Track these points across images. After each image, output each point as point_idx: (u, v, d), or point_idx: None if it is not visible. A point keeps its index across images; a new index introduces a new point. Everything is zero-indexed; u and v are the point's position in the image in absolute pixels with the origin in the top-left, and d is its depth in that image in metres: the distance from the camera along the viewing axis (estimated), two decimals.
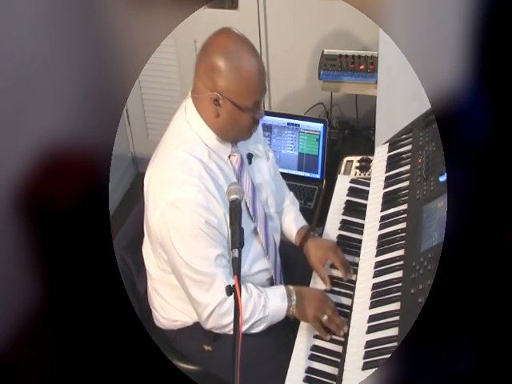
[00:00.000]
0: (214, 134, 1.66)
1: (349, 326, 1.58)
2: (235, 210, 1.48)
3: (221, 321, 1.68)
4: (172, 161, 1.63)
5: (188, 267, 1.62)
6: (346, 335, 1.58)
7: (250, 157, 1.80)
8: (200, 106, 1.64)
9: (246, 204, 1.74)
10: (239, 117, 1.61)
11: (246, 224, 1.72)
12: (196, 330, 1.78)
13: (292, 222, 1.96)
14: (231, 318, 1.63)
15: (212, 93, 1.58)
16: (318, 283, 1.83)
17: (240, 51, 1.57)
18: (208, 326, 1.71)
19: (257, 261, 1.78)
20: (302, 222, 1.98)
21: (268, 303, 1.69)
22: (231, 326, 1.64)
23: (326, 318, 1.66)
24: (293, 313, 1.71)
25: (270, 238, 1.81)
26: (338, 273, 1.83)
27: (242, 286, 1.66)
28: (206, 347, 1.81)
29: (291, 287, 1.74)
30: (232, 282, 1.62)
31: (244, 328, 1.66)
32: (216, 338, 1.78)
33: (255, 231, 1.77)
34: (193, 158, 1.62)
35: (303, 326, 1.72)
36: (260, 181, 1.82)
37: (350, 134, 2.89)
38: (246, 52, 1.58)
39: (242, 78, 1.56)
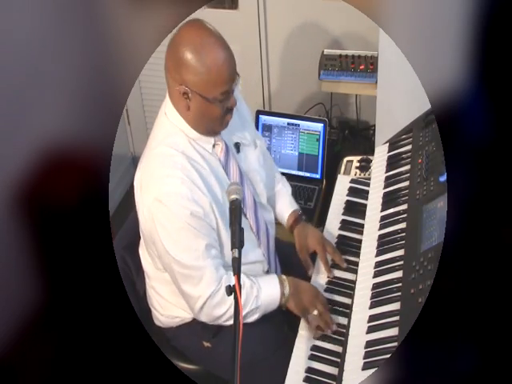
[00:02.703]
0: (190, 126, 1.66)
1: (349, 326, 1.58)
2: (235, 210, 1.48)
3: (214, 312, 1.68)
4: (155, 157, 1.65)
5: (176, 262, 1.63)
6: (346, 335, 1.58)
7: (237, 146, 1.80)
8: (173, 100, 1.65)
9: None
10: (209, 108, 1.61)
11: None
12: (195, 326, 1.79)
13: (283, 206, 1.99)
14: (224, 308, 1.65)
15: (180, 86, 1.58)
16: (318, 280, 1.83)
17: (205, 43, 1.56)
18: (202, 318, 1.72)
19: (249, 251, 1.77)
20: (294, 206, 2.00)
21: (261, 293, 1.70)
22: (225, 317, 1.67)
23: (316, 312, 1.67)
24: (285, 301, 1.72)
25: (260, 225, 1.81)
26: (338, 272, 1.84)
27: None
28: (206, 344, 1.81)
29: (284, 277, 1.75)
30: (222, 272, 1.65)
31: None
32: (215, 334, 1.78)
33: (245, 218, 1.77)
34: (175, 152, 1.63)
35: (303, 325, 1.72)
36: (248, 169, 1.82)
37: (350, 133, 2.89)
38: (211, 43, 1.56)
39: (208, 70, 1.55)
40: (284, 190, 2.02)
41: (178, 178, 1.60)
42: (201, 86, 1.57)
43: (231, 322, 1.65)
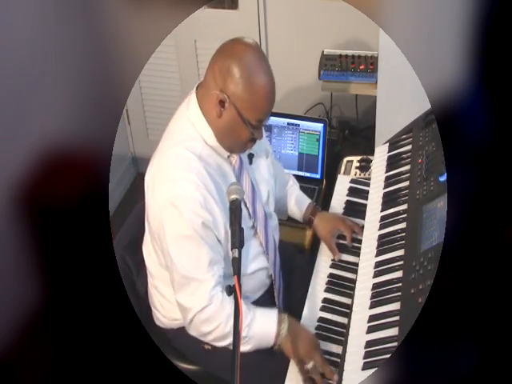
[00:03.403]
0: (213, 134, 1.66)
1: (349, 326, 1.58)
2: (235, 210, 1.48)
3: (201, 328, 1.66)
4: (172, 157, 1.63)
5: (175, 269, 1.62)
6: (346, 335, 1.58)
7: (250, 156, 1.80)
8: (205, 102, 1.64)
9: (245, 204, 1.74)
10: (239, 128, 1.61)
11: (246, 224, 1.72)
12: None
13: (298, 202, 2.02)
14: (211, 326, 1.63)
15: (220, 93, 1.58)
16: (317, 283, 1.83)
17: (258, 67, 1.58)
18: (191, 331, 1.70)
19: (256, 259, 1.78)
20: (307, 200, 2.03)
21: (253, 323, 1.64)
22: (212, 336, 1.65)
23: (311, 365, 1.58)
24: (280, 342, 1.64)
25: (269, 237, 1.81)
26: (338, 272, 1.84)
27: (232, 301, 1.59)
28: (206, 346, 1.80)
29: (285, 316, 1.67)
30: (218, 290, 1.61)
31: (225, 343, 1.65)
32: None
33: (255, 231, 1.77)
34: (192, 156, 1.62)
35: (303, 325, 1.71)
36: (260, 180, 1.82)
37: (350, 133, 2.89)
38: (263, 70, 1.59)
39: (253, 91, 1.57)
40: (294, 186, 2.06)
41: (193, 183, 1.59)
42: (241, 103, 1.57)
43: (220, 343, 1.66)
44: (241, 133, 1.63)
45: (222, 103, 1.59)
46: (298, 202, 2.01)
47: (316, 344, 1.63)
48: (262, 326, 1.65)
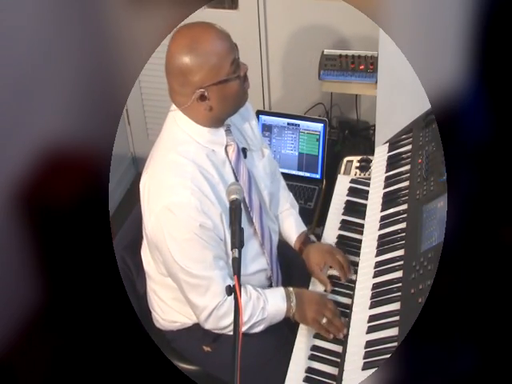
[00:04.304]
0: (206, 128, 1.64)
1: (349, 326, 1.58)
2: (235, 210, 1.48)
3: (220, 323, 1.68)
4: (166, 164, 1.63)
5: (184, 272, 1.62)
6: (346, 335, 1.58)
7: (244, 151, 1.79)
8: (190, 112, 1.63)
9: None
10: (228, 88, 1.58)
11: (244, 219, 1.71)
12: (195, 330, 1.78)
13: (291, 227, 1.96)
14: (230, 319, 1.63)
15: (195, 93, 1.56)
16: (317, 284, 1.83)
17: (203, 39, 1.55)
18: (207, 327, 1.72)
19: (255, 260, 1.78)
20: (302, 228, 1.97)
21: (267, 305, 1.70)
22: (230, 327, 1.65)
23: (325, 321, 1.66)
24: (293, 315, 1.71)
25: (265, 231, 1.80)
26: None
27: (242, 288, 1.65)
28: (206, 348, 1.81)
29: (291, 289, 1.74)
30: (229, 283, 1.63)
31: (243, 329, 1.65)
32: (215, 338, 1.78)
33: (251, 222, 1.76)
34: (186, 161, 1.61)
35: (303, 326, 1.72)
36: (254, 176, 1.81)
37: (350, 133, 2.89)
38: (208, 36, 1.55)
39: (213, 60, 1.53)
40: (292, 210, 1.98)
41: (188, 189, 1.58)
42: (212, 75, 1.54)
43: None
44: (233, 88, 1.60)
45: (203, 98, 1.57)
46: (291, 228, 1.95)
47: (323, 301, 1.72)
48: (274, 306, 1.71)
